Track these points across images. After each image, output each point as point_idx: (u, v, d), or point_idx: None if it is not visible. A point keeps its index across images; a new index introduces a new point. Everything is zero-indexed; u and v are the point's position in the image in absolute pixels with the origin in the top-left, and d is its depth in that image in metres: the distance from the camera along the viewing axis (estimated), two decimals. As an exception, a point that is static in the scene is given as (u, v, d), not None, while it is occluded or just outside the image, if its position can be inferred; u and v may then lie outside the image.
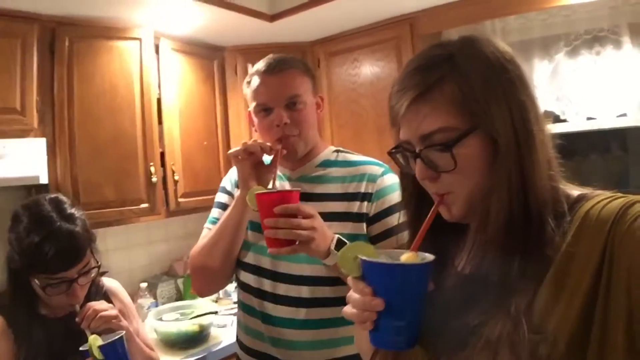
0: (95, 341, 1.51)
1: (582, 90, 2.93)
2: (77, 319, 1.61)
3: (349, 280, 0.96)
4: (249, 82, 1.76)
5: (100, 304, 1.66)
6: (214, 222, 1.83)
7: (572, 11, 2.88)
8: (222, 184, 1.96)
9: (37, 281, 1.56)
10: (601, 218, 0.81)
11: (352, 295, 0.94)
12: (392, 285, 0.89)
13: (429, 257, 0.91)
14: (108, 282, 1.93)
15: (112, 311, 1.66)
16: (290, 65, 1.73)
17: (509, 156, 0.88)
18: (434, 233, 0.98)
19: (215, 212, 1.89)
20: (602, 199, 0.84)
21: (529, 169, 0.88)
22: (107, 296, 1.86)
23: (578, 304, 0.79)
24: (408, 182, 1.08)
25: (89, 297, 1.75)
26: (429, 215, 0.96)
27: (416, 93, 0.92)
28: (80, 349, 1.52)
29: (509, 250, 0.87)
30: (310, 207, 1.48)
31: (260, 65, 1.73)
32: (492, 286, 0.88)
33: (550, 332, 0.79)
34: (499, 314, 0.85)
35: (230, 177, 1.91)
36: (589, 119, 2.91)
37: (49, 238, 1.53)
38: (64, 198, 1.71)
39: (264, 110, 1.70)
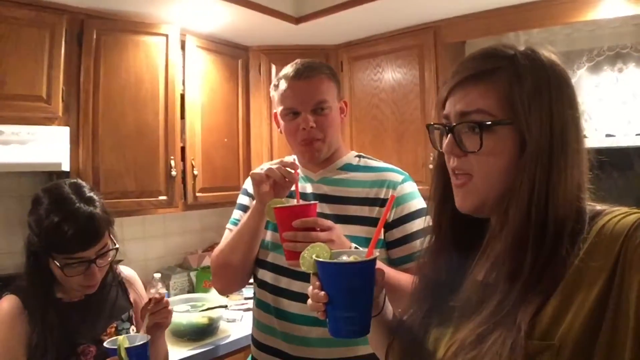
0: (124, 342, 1.48)
1: (602, 106, 2.86)
2: (148, 307, 1.65)
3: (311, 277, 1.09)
4: (276, 86, 1.78)
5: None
6: (235, 224, 1.85)
7: (596, 26, 2.80)
8: (244, 186, 1.96)
9: (56, 262, 1.55)
10: (615, 233, 0.80)
11: (309, 289, 1.07)
12: (331, 281, 1.03)
13: (371, 256, 1.03)
14: (125, 270, 1.92)
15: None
16: (318, 71, 1.74)
17: (536, 161, 0.88)
18: (460, 241, 1.05)
19: (236, 214, 1.90)
20: (617, 215, 0.83)
21: (556, 182, 0.87)
22: (123, 284, 1.85)
23: (584, 313, 0.78)
24: (440, 161, 1.08)
25: (105, 284, 1.76)
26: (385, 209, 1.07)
27: (469, 73, 0.96)
28: (105, 345, 1.50)
29: (520, 257, 0.87)
30: (328, 220, 1.47)
31: (289, 70, 1.75)
32: (502, 293, 0.88)
33: (556, 340, 0.78)
34: (505, 321, 0.84)
35: None
36: (608, 135, 2.84)
37: (68, 218, 1.53)
38: (83, 182, 1.70)
39: (291, 113, 1.73)
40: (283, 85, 1.74)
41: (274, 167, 1.59)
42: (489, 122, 0.92)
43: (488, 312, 0.88)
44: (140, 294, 1.92)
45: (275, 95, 1.79)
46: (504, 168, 0.92)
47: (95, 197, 1.65)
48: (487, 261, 0.95)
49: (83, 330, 1.65)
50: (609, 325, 0.76)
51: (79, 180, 1.72)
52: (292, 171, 1.58)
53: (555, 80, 0.92)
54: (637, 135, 2.75)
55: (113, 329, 1.73)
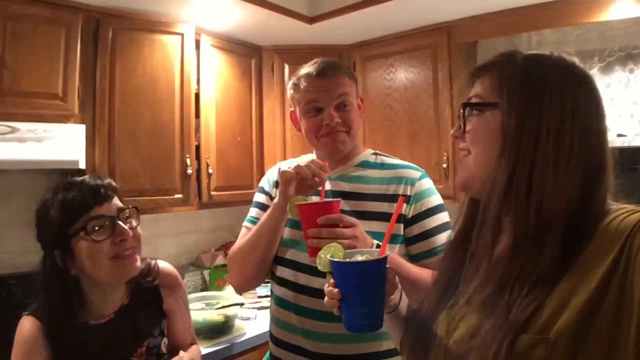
0: None
1: (613, 106, 2.82)
2: None
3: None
4: (296, 85, 1.75)
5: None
6: (252, 222, 1.83)
7: (607, 27, 2.77)
8: (260, 184, 1.93)
9: (79, 235, 1.41)
10: (618, 230, 0.79)
11: (325, 286, 1.12)
12: (344, 278, 1.07)
13: (381, 257, 1.07)
14: (162, 265, 1.74)
15: None
16: (340, 69, 1.74)
17: (518, 148, 0.88)
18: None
19: (253, 212, 1.88)
20: (622, 213, 0.82)
21: (541, 171, 0.87)
22: (158, 292, 1.68)
23: (580, 307, 0.77)
24: None
25: (137, 297, 1.60)
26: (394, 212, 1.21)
27: (476, 67, 1.03)
28: None
29: (507, 252, 0.89)
30: (351, 217, 1.45)
31: (311, 69, 1.73)
32: (499, 288, 0.88)
33: (552, 334, 0.77)
34: (500, 315, 0.84)
35: (268, 177, 1.89)
36: (619, 135, 2.78)
37: (74, 185, 1.46)
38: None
39: (314, 110, 1.71)
40: (304, 83, 1.72)
41: (303, 165, 1.55)
42: (473, 103, 0.99)
43: (482, 308, 0.89)
44: (179, 291, 1.76)
45: (294, 94, 1.77)
46: (488, 148, 0.94)
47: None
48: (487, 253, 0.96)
49: (111, 354, 1.50)
50: (610, 316, 0.75)
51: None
52: (320, 171, 1.56)
53: (558, 75, 0.92)
54: (649, 135, 2.70)
55: (144, 349, 1.58)
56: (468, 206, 1.10)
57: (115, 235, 1.46)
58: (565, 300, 0.79)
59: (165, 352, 1.64)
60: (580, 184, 0.86)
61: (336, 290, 1.07)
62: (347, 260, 1.10)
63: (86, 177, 1.50)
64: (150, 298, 1.66)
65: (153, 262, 1.69)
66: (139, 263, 1.53)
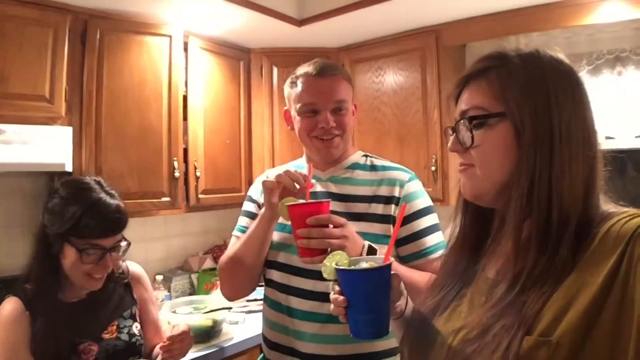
0: None
1: (602, 109, 2.82)
2: (163, 343, 1.70)
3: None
4: (294, 83, 1.75)
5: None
6: (241, 231, 1.84)
7: (596, 30, 2.78)
8: (249, 193, 1.95)
9: (73, 246, 1.58)
10: (620, 234, 0.79)
11: (331, 294, 1.12)
12: (349, 286, 1.09)
13: (385, 263, 1.08)
14: (132, 266, 1.91)
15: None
16: (338, 71, 1.75)
17: (535, 152, 0.88)
18: (479, 239, 1.06)
19: (242, 221, 1.89)
20: (624, 217, 0.82)
21: (559, 174, 0.87)
22: (127, 282, 1.86)
23: (582, 310, 0.77)
24: None
25: (108, 282, 1.75)
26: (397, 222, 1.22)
27: (466, 74, 1.00)
28: None
29: (524, 254, 0.88)
30: (341, 217, 1.46)
31: (310, 68, 1.73)
32: (506, 291, 0.89)
33: (554, 337, 0.78)
34: (506, 317, 0.85)
35: (257, 186, 1.89)
36: (607, 138, 2.80)
37: (96, 205, 1.61)
38: (102, 180, 1.76)
39: (310, 111, 1.71)
40: (302, 82, 1.72)
41: (282, 173, 1.58)
42: (479, 116, 0.95)
43: (492, 308, 0.89)
44: (148, 290, 1.93)
45: (291, 92, 1.76)
46: (503, 160, 0.93)
47: (115, 193, 1.72)
48: (498, 259, 0.97)
49: (84, 329, 1.65)
50: (612, 320, 0.75)
51: (99, 177, 1.78)
52: (301, 177, 1.57)
53: (555, 75, 0.91)
54: (636, 137, 2.74)
55: (114, 327, 1.73)
56: (467, 209, 1.10)
57: (99, 263, 1.64)
58: (568, 302, 0.79)
59: (138, 334, 1.78)
60: (587, 178, 0.88)
61: (342, 297, 1.08)
62: (352, 268, 1.11)
63: (107, 197, 1.66)
64: (121, 284, 1.85)
65: (124, 264, 1.86)
66: (101, 283, 1.71)
